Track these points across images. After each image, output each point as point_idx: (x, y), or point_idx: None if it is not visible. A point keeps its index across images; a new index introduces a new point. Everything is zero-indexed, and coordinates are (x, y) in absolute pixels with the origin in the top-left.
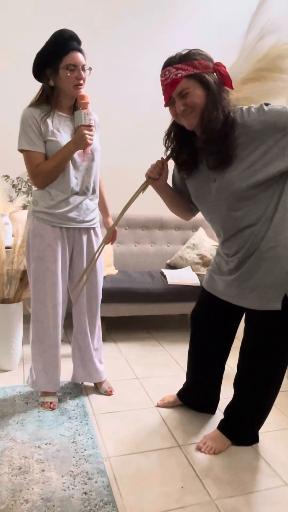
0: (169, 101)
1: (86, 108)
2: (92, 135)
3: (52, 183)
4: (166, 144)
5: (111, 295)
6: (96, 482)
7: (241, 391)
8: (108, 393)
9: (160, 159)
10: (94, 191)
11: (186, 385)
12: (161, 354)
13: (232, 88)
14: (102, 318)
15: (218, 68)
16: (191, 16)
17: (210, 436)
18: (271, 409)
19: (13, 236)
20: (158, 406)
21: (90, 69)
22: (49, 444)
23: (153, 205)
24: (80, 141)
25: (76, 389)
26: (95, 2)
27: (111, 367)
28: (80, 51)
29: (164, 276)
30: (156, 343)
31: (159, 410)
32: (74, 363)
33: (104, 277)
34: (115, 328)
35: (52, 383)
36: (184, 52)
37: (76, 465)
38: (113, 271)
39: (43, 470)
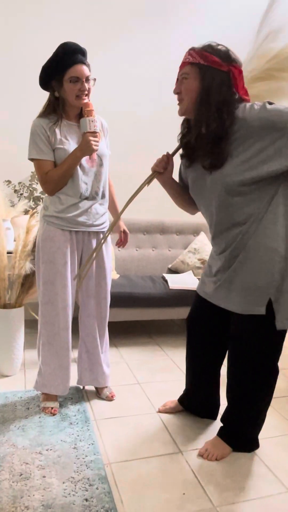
0: (176, 80)
1: (90, 115)
2: (97, 141)
3: (63, 189)
4: (182, 127)
5: (113, 300)
6: (97, 488)
7: (233, 398)
8: (110, 398)
9: (165, 153)
10: (103, 196)
11: (186, 391)
12: (163, 359)
13: (243, 94)
14: None
15: (232, 70)
16: (193, 21)
17: (211, 442)
18: (271, 414)
19: (14, 241)
20: (159, 411)
21: (94, 80)
22: (50, 450)
23: (154, 210)
24: (85, 147)
25: (77, 395)
26: (97, 8)
27: (112, 372)
28: (84, 63)
29: (166, 281)
30: (157, 348)
31: (160, 416)
32: (81, 367)
33: None
34: (117, 333)
35: (63, 385)
36: (207, 43)
37: (77, 471)
38: (115, 275)
39: (44, 476)
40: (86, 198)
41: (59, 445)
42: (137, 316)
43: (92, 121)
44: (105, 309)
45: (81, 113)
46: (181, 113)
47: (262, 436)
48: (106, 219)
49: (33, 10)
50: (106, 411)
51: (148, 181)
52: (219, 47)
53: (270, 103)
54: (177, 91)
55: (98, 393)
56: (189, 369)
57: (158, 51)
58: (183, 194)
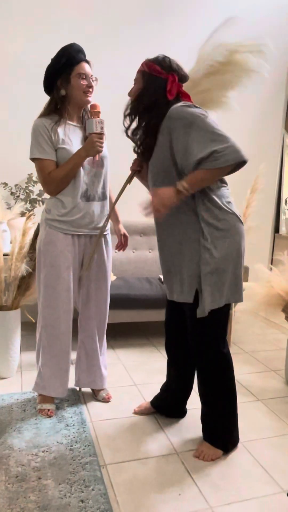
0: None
1: (98, 117)
2: (102, 143)
3: (64, 191)
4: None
5: (110, 301)
6: (93, 489)
7: (199, 392)
8: (106, 400)
9: None
10: (104, 197)
11: (159, 392)
12: (159, 361)
13: (172, 97)
14: None
15: (169, 77)
16: (190, 23)
17: (202, 445)
18: (267, 415)
19: (11, 243)
20: (134, 412)
21: (96, 79)
22: (46, 451)
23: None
24: (91, 148)
25: (73, 396)
26: (94, 11)
27: (109, 373)
28: (88, 62)
29: (162, 283)
30: (154, 350)
31: (156, 417)
32: (79, 369)
33: None
34: (113, 335)
35: (62, 387)
36: (155, 56)
37: (73, 473)
38: (112, 277)
39: (39, 478)
40: (88, 200)
41: (55, 447)
42: (134, 317)
43: (99, 123)
44: (105, 312)
45: (83, 115)
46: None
47: (258, 436)
48: (107, 222)
49: (30, 11)
50: (102, 412)
51: (129, 180)
52: (165, 58)
53: (190, 107)
54: (129, 94)
55: (95, 395)
56: (167, 371)
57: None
58: None
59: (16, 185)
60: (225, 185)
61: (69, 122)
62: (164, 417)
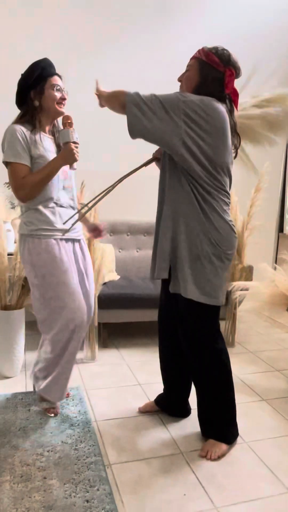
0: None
1: (71, 127)
2: (78, 152)
3: (39, 199)
4: None
5: (113, 301)
6: (98, 489)
7: (196, 390)
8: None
9: None
10: (74, 207)
11: (163, 392)
12: None
13: (232, 95)
14: (104, 324)
15: (227, 71)
16: (195, 23)
17: (207, 443)
18: (272, 415)
19: (15, 242)
20: (139, 411)
21: (67, 93)
22: (51, 451)
23: (155, 211)
24: (69, 156)
25: (78, 396)
26: (97, 10)
27: (113, 373)
28: (60, 77)
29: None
30: (158, 349)
31: (160, 417)
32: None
33: (106, 283)
34: (117, 334)
35: (64, 391)
36: (217, 45)
37: (78, 473)
38: (115, 277)
39: (44, 478)
40: (62, 206)
41: (60, 447)
42: (137, 317)
43: (73, 132)
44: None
45: (53, 128)
46: None
47: (263, 436)
48: (78, 227)
49: (30, 11)
50: (107, 412)
51: (146, 163)
52: (224, 51)
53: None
54: (180, 79)
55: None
56: (162, 368)
57: (159, 53)
58: None
59: None
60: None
61: (42, 132)
62: (168, 417)
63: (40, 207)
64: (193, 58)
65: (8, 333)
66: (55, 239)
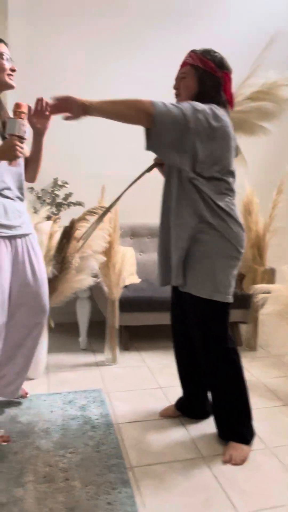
0: (176, 77)
1: (22, 118)
2: (22, 148)
3: None
4: None
5: (134, 304)
6: (119, 492)
7: (211, 392)
8: (24, 396)
9: None
10: (23, 199)
11: (182, 394)
12: None
13: (229, 99)
14: (125, 327)
15: (223, 76)
16: (208, 29)
17: (229, 447)
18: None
19: None
20: (160, 415)
21: (13, 61)
22: (73, 453)
23: None
24: (8, 151)
25: (99, 398)
26: (112, 16)
27: (134, 376)
28: (7, 44)
29: None
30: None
31: (181, 420)
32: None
33: (127, 286)
34: (138, 337)
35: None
36: (207, 48)
37: (99, 475)
38: (136, 280)
39: (67, 479)
40: (7, 198)
41: (82, 448)
42: (158, 320)
43: (23, 125)
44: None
45: None
46: None
47: (286, 442)
48: (29, 221)
49: (49, 17)
50: (128, 415)
51: (148, 169)
52: (216, 54)
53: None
54: (176, 87)
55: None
56: (179, 371)
57: (173, 58)
58: None
59: (42, 190)
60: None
61: None
62: (189, 421)
63: None
64: (187, 64)
65: None
66: (2, 236)
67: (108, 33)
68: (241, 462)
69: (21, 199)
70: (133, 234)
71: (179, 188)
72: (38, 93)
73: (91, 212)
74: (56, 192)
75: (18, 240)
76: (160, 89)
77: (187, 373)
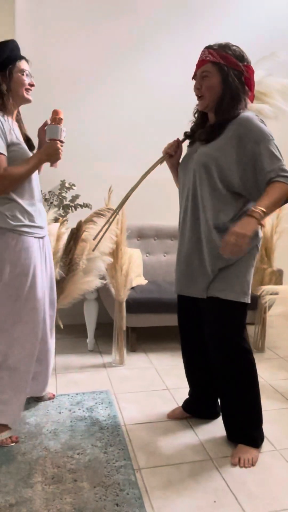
0: (194, 76)
1: (61, 124)
2: (62, 152)
3: (20, 193)
4: (194, 114)
5: (141, 305)
6: (127, 493)
7: (221, 393)
8: (51, 397)
9: (176, 139)
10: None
11: (188, 397)
12: None
13: (252, 91)
14: (133, 328)
15: (247, 70)
16: (218, 30)
17: (238, 450)
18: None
19: None
20: (168, 417)
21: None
22: (81, 454)
23: None
24: (54, 154)
25: (107, 400)
26: (122, 19)
27: (141, 377)
28: (28, 61)
29: None
30: None
31: (189, 422)
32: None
33: (134, 287)
34: (146, 339)
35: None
36: (223, 43)
37: (107, 476)
38: (143, 281)
39: (75, 480)
40: (40, 202)
41: (90, 450)
42: (166, 321)
43: (63, 131)
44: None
45: (18, 115)
46: (202, 107)
47: None
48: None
49: (61, 19)
50: (135, 416)
51: (160, 161)
52: (235, 47)
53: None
54: (198, 87)
55: (38, 399)
56: (186, 373)
57: (183, 60)
58: None
59: (49, 192)
60: None
61: (11, 119)
62: (197, 422)
63: (19, 200)
64: (207, 62)
65: None
66: (35, 237)
67: (117, 35)
68: (250, 465)
69: (41, 201)
70: (140, 235)
71: (209, 187)
72: (46, 95)
73: (98, 214)
74: (63, 194)
75: (45, 239)
76: (166, 91)
77: (196, 374)
